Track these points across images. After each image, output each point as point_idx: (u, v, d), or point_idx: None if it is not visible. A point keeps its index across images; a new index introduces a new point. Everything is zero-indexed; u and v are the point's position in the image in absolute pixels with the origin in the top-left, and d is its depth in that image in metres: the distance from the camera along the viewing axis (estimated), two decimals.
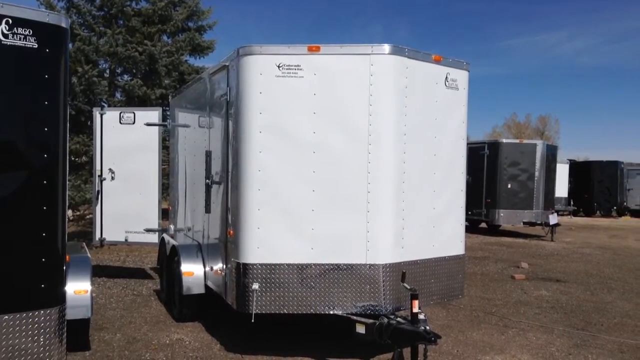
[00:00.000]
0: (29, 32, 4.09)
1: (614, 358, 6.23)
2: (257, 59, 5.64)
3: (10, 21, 4.01)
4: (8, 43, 4.01)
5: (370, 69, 5.62)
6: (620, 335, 7.11)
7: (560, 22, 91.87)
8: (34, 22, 4.11)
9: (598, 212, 31.16)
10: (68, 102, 4.53)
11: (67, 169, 4.47)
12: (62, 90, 4.32)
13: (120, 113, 9.79)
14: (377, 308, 5.67)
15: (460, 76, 6.37)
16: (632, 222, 27.63)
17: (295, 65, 5.60)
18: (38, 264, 4.20)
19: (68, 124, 4.46)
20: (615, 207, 31.12)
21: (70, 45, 14.81)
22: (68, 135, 4.49)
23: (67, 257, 4.90)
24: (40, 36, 4.14)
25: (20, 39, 4.05)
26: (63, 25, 4.30)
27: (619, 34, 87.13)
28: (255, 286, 5.62)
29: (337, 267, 5.68)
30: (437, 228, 6.21)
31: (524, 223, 19.42)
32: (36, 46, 4.12)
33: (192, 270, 7.13)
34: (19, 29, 4.04)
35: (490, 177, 19.19)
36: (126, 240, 9.90)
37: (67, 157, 4.44)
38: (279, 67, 5.59)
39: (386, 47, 5.69)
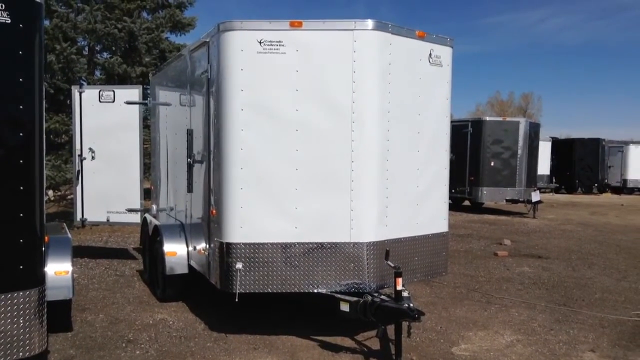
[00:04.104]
0: (2, 6, 3.96)
1: (595, 333, 6.32)
2: (238, 35, 5.53)
3: None
4: None
5: (354, 45, 5.54)
6: (601, 311, 7.20)
7: None
8: None
9: (579, 189, 31.54)
10: (44, 80, 4.41)
11: (44, 147, 4.37)
12: (38, 67, 4.20)
13: (99, 91, 9.62)
14: (361, 286, 5.67)
15: (444, 52, 6.31)
16: (612, 199, 27.99)
17: (277, 41, 5.50)
18: (16, 245, 4.12)
19: (44, 102, 4.35)
20: (596, 184, 31.48)
21: (47, 22, 14.47)
22: (44, 113, 4.38)
23: (46, 237, 4.81)
24: (14, 11, 4.00)
25: None
26: None
27: (600, 12, 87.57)
28: (239, 265, 5.58)
29: (320, 246, 5.65)
30: (420, 206, 6.20)
31: (507, 200, 19.56)
32: (9, 21, 3.99)
33: (175, 250, 7.08)
34: None
35: (473, 155, 19.28)
36: (108, 220, 9.83)
37: (44, 136, 4.34)
38: (260, 43, 5.49)
39: (369, 23, 5.61)
